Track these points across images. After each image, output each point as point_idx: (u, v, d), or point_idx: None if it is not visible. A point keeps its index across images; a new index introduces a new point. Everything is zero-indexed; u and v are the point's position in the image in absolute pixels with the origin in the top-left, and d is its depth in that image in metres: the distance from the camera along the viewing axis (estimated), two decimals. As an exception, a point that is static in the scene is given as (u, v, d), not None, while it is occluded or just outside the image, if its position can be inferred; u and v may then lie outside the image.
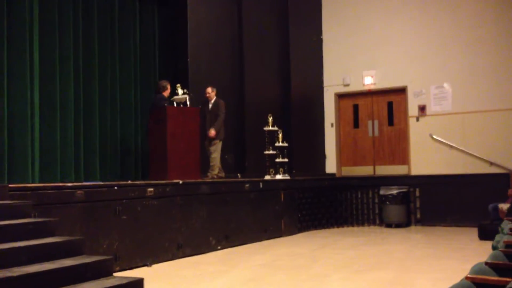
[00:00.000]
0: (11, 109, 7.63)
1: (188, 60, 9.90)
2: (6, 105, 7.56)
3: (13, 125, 7.64)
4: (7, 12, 7.63)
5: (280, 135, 10.24)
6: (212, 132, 9.07)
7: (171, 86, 8.75)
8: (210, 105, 9.32)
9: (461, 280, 3.11)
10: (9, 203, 5.06)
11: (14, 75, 7.69)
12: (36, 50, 8.00)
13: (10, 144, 7.57)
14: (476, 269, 3.39)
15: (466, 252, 7.58)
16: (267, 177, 9.90)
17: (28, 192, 5.45)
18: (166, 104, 8.36)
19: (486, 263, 3.38)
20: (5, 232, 4.52)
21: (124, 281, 4.54)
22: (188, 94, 8.93)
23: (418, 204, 11.15)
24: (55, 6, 8.31)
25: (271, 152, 10.08)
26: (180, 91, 8.60)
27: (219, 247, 8.02)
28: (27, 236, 4.64)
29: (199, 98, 9.32)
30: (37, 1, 8.04)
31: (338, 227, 11.17)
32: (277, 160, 10.15)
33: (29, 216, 5.11)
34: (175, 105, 8.53)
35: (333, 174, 12.59)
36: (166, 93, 8.60)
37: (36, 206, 5.35)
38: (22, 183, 6.92)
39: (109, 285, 4.36)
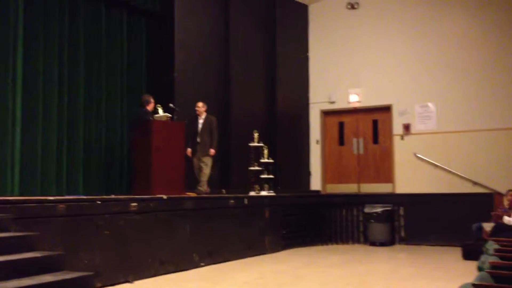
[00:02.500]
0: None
1: (174, 74, 9.86)
2: (-13, 116, 7.42)
3: (-6, 136, 7.48)
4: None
5: (266, 151, 10.20)
6: (212, 151, 9.18)
7: (157, 100, 8.69)
8: (201, 121, 9.28)
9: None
10: (-12, 217, 4.92)
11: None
12: (19, 59, 7.85)
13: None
14: (464, 291, 3.35)
15: (451, 272, 7.56)
16: (252, 193, 9.83)
17: (9, 205, 5.30)
18: (150, 118, 8.30)
19: (474, 285, 3.34)
20: (-17, 246, 4.39)
21: (106, 299, 4.42)
22: (173, 109, 8.90)
23: (402, 223, 11.14)
24: (40, 16, 8.20)
25: (256, 168, 10.03)
26: (160, 110, 8.51)
27: (202, 264, 7.90)
28: (6, 250, 4.51)
29: (185, 113, 9.25)
30: (22, 10, 7.92)
31: (322, 244, 11.10)
32: (262, 176, 10.09)
33: (9, 230, 4.97)
34: None
35: (317, 191, 12.56)
36: (149, 107, 8.58)
37: (16, 219, 5.20)
38: (1, 195, 6.76)
39: (90, 302, 4.25)
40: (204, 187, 9.12)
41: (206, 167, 9.17)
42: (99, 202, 6.37)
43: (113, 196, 7.26)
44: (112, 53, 9.41)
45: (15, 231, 5.11)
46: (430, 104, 11.65)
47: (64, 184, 8.36)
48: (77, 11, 8.83)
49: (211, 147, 9.21)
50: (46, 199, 5.83)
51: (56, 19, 8.44)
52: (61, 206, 5.83)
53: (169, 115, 8.54)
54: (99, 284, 5.94)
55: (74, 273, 4.65)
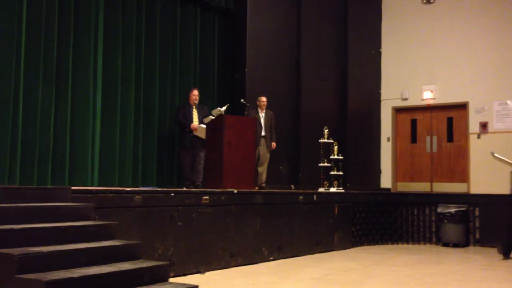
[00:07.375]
0: (74, 114, 7.88)
1: (246, 70, 9.98)
2: (70, 110, 7.81)
3: (75, 130, 7.88)
4: (73, 21, 7.90)
5: (336, 148, 10.13)
6: (274, 145, 9.40)
7: (228, 96, 8.85)
8: (263, 114, 9.36)
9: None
10: (71, 205, 5.19)
11: (78, 82, 7.95)
12: (99, 57, 8.25)
13: (72, 147, 7.81)
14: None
15: (530, 276, 7.23)
16: (321, 190, 9.79)
17: (89, 195, 5.58)
18: (177, 117, 8.78)
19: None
20: (67, 233, 4.63)
21: (180, 288, 4.56)
22: (245, 104, 8.99)
23: (477, 224, 10.73)
24: (119, 15, 8.55)
25: (325, 164, 9.98)
26: (224, 108, 8.58)
27: (271, 258, 7.97)
28: (87, 238, 4.74)
29: (253, 108, 9.35)
30: (102, 9, 8.31)
31: (392, 243, 10.90)
32: (331, 172, 10.03)
33: (90, 219, 5.22)
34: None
35: (388, 189, 12.34)
36: (190, 100, 8.87)
37: (96, 209, 5.46)
38: (81, 186, 7.12)
39: (165, 291, 4.40)
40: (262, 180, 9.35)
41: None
42: (173, 194, 6.56)
43: (185, 189, 7.47)
44: (185, 49, 9.66)
45: (96, 219, 5.37)
46: (509, 102, 11.15)
47: (139, 176, 8.68)
48: (154, 8, 9.12)
49: (272, 141, 9.42)
50: (123, 190, 6.08)
51: (134, 16, 8.78)
52: (137, 197, 6.06)
53: (222, 109, 8.52)
54: (172, 274, 6.12)
55: (150, 262, 4.82)
